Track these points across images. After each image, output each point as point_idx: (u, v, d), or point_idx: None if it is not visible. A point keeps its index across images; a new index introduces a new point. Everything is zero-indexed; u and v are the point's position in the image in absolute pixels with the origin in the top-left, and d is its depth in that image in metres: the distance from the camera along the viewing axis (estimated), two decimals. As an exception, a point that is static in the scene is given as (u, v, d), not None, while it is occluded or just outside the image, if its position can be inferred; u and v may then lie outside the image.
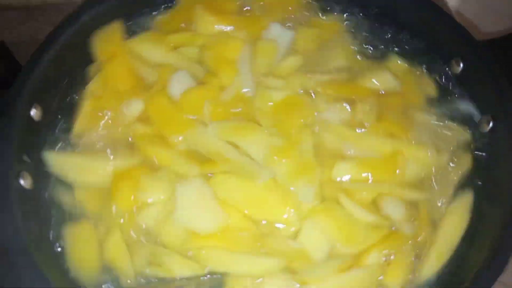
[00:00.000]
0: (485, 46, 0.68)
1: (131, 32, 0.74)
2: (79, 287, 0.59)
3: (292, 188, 0.61)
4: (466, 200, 0.64)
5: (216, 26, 0.73)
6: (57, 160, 0.64)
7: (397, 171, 0.64)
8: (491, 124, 0.65)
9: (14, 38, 0.99)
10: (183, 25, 0.74)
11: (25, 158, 0.62)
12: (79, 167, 0.64)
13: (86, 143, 0.66)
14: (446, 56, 0.72)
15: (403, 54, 0.74)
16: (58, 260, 0.60)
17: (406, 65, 0.72)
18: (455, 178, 0.65)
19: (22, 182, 0.60)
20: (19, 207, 0.57)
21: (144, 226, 0.61)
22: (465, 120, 0.69)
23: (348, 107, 0.67)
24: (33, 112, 0.64)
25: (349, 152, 0.65)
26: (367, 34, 0.75)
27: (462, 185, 0.65)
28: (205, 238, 0.60)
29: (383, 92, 0.69)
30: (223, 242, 0.60)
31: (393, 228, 0.61)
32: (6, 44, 0.86)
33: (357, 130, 0.66)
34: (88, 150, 0.65)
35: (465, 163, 0.66)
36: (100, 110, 0.67)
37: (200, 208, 0.60)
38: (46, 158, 0.64)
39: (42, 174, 0.64)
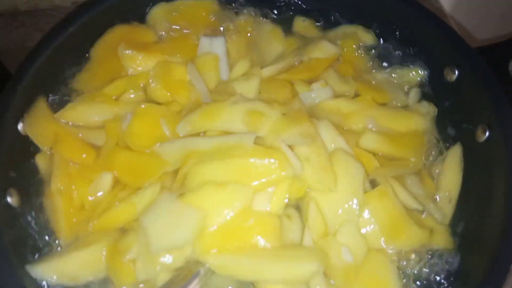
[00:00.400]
0: (480, 54, 0.68)
1: (58, 104, 0.68)
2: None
3: (282, 140, 0.59)
4: (456, 151, 0.68)
5: (148, 61, 0.70)
6: (48, 271, 0.58)
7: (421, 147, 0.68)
8: (487, 133, 0.64)
9: (3, 44, 0.97)
10: (108, 74, 0.71)
11: (12, 174, 0.61)
12: (73, 269, 0.59)
13: (71, 240, 0.61)
14: (440, 64, 0.71)
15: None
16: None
17: (308, 22, 0.78)
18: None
19: (8, 199, 0.58)
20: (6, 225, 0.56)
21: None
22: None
23: (322, 83, 0.68)
24: (20, 127, 0.62)
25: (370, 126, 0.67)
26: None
27: (449, 140, 0.70)
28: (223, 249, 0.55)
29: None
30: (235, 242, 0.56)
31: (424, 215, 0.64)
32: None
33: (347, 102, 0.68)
34: (74, 246, 0.60)
35: (431, 109, 0.71)
36: (76, 206, 0.62)
37: (170, 223, 0.56)
38: (36, 273, 0.58)
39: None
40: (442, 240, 0.63)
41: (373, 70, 0.75)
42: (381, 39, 0.77)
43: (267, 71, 0.70)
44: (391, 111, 0.69)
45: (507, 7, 0.86)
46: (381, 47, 0.77)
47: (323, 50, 0.72)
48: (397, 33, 0.75)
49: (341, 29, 0.78)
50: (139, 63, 0.70)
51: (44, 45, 0.66)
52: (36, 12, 1.04)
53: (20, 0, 1.01)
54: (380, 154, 0.66)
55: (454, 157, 0.68)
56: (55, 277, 0.58)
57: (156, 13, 0.75)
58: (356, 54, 0.75)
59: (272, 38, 0.75)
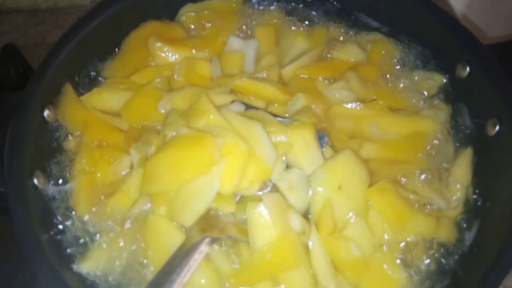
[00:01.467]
0: (491, 51, 0.69)
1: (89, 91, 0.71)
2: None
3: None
4: (467, 153, 0.68)
5: (175, 54, 0.73)
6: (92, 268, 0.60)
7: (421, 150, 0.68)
8: (497, 128, 0.65)
9: (23, 40, 1.00)
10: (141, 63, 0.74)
11: (38, 158, 0.63)
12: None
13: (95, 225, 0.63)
14: (452, 61, 0.72)
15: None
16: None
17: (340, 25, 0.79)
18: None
19: (35, 181, 0.60)
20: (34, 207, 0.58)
21: None
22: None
23: (341, 85, 0.69)
24: (46, 113, 0.64)
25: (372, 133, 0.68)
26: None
27: (462, 143, 0.70)
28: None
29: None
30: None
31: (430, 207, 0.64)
32: (17, 47, 0.87)
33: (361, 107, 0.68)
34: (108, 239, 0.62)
35: (447, 110, 0.72)
36: (97, 187, 0.64)
37: None
38: (82, 270, 0.60)
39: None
40: (445, 231, 0.64)
41: (397, 75, 0.75)
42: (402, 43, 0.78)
43: (290, 67, 0.72)
44: (400, 118, 0.70)
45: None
46: (404, 52, 0.77)
47: (350, 52, 0.75)
48: (409, 31, 0.76)
49: (373, 35, 0.79)
50: (167, 55, 0.73)
51: (71, 35, 0.68)
52: (56, 10, 1.07)
53: (41, -2, 1.05)
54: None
55: (465, 157, 0.68)
56: (98, 272, 0.60)
57: (184, 12, 0.79)
58: (384, 59, 0.76)
59: (296, 37, 0.77)
